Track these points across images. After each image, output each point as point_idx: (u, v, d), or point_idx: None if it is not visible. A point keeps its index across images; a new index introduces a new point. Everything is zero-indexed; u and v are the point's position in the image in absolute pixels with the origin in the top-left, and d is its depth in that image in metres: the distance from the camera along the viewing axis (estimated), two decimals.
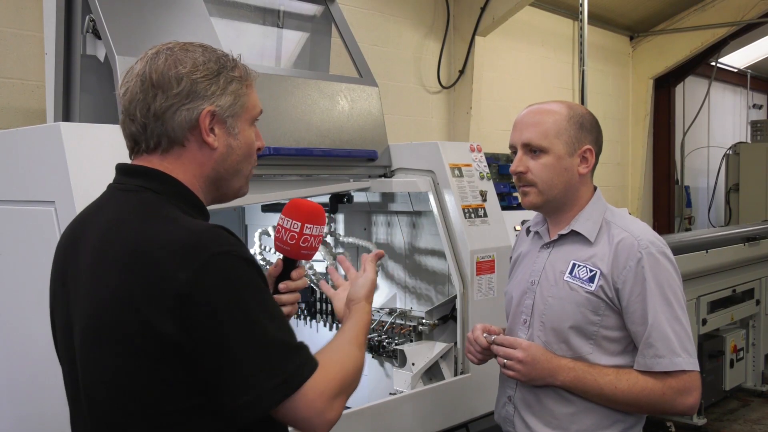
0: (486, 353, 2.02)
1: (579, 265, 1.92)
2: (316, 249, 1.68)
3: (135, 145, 1.44)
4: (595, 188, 2.04)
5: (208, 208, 1.50)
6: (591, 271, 1.90)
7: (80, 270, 1.39)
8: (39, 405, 2.11)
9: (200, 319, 1.25)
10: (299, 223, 1.63)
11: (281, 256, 1.68)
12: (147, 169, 1.42)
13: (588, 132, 1.97)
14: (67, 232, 1.49)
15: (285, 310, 1.66)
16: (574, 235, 1.97)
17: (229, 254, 1.28)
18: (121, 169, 1.46)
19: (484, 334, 2.00)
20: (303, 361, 1.32)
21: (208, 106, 1.40)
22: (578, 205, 1.99)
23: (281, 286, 1.67)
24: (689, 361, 1.82)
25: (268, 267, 3.14)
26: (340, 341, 1.52)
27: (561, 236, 1.99)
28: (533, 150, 1.94)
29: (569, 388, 1.89)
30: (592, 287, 1.88)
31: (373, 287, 1.73)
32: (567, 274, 1.93)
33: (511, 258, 2.25)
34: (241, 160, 1.47)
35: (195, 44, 1.45)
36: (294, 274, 1.69)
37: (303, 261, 1.73)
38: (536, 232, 2.09)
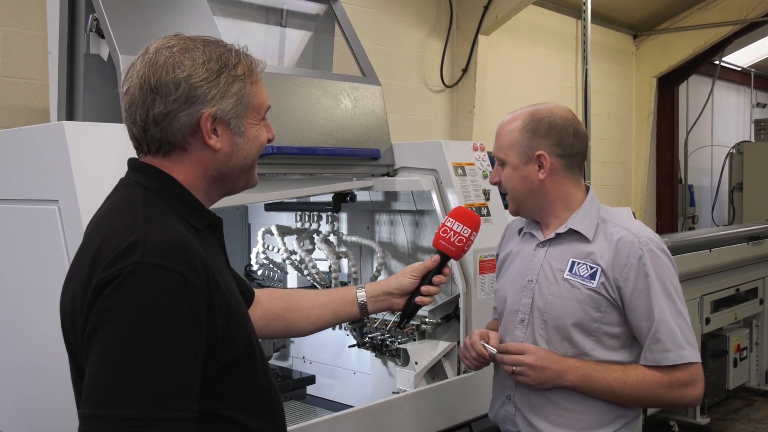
0: (482, 360, 2.02)
1: (578, 263, 1.93)
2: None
3: (138, 146, 1.43)
4: (587, 188, 2.05)
5: (214, 205, 1.50)
6: (591, 268, 1.91)
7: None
8: (43, 403, 2.11)
9: (93, 315, 1.22)
10: (469, 230, 1.90)
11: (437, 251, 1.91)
12: (145, 166, 1.42)
13: (542, 137, 1.96)
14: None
15: (425, 300, 1.90)
16: (571, 233, 1.98)
17: (160, 268, 1.21)
18: (128, 163, 1.46)
19: (482, 342, 2.00)
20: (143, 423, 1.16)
21: (208, 110, 1.36)
22: (570, 207, 2.00)
23: (436, 279, 1.90)
24: (694, 354, 1.86)
25: (271, 266, 3.17)
26: None
27: (558, 235, 2.00)
28: (500, 162, 2.04)
29: (578, 387, 1.90)
30: (594, 284, 1.89)
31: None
32: (567, 272, 1.94)
33: (497, 256, 2.24)
34: (248, 155, 1.45)
35: (197, 39, 1.40)
36: (446, 270, 1.92)
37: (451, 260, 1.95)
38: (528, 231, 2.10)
